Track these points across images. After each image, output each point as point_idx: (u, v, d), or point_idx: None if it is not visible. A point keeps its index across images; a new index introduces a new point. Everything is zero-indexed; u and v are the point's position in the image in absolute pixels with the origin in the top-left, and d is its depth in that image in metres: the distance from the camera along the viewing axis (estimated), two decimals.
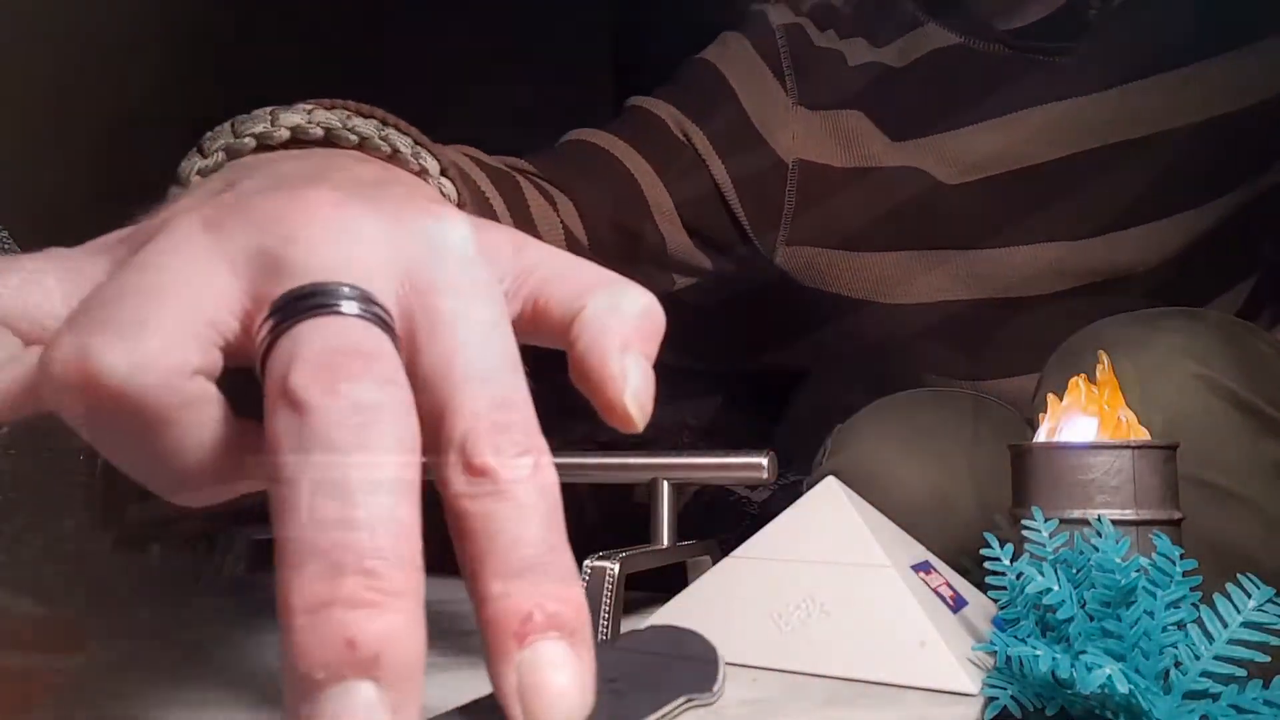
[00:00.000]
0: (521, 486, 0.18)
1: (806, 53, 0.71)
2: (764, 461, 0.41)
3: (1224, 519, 0.45)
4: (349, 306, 0.18)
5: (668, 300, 0.26)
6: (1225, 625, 0.27)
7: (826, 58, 0.71)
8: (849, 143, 0.69)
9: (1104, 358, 0.40)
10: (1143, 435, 0.37)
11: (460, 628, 0.42)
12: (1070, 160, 0.67)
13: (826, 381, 0.87)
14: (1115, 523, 0.33)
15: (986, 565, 0.32)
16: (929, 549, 0.52)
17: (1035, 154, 0.67)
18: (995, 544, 0.32)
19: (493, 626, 0.17)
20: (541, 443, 0.19)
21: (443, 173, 0.30)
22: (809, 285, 0.73)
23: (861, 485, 0.58)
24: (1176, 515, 0.36)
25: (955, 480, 0.57)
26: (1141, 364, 0.47)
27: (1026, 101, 0.67)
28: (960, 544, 0.53)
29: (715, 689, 0.25)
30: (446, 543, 0.19)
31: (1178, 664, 0.27)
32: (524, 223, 0.57)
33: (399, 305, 0.19)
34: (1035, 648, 0.27)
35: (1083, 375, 0.39)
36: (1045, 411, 0.40)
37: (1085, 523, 0.34)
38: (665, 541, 0.43)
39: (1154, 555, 0.30)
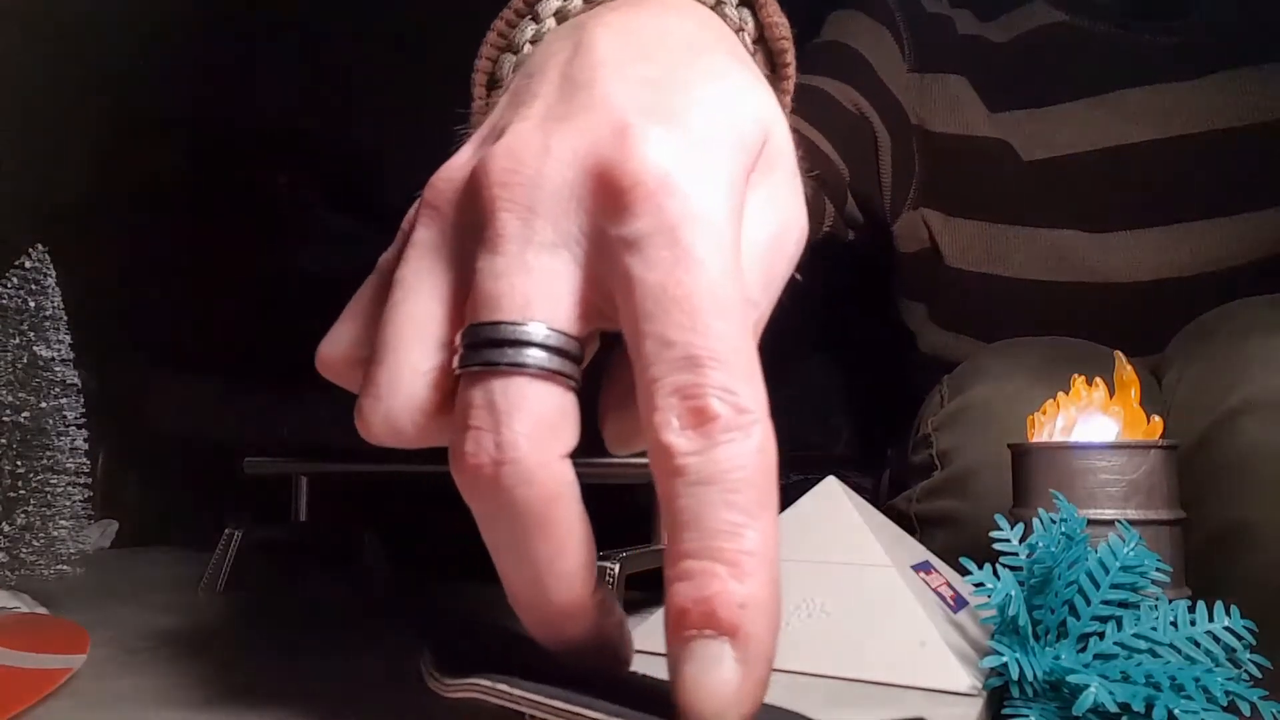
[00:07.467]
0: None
1: (919, 16, 0.72)
2: None
3: None
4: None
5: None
6: (1108, 571, 0.29)
7: (937, 23, 0.72)
8: (952, 108, 0.70)
9: (1120, 358, 0.39)
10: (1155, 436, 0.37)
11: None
12: (1167, 144, 0.65)
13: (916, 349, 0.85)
14: (1133, 523, 0.33)
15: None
16: None
17: (1131, 135, 0.66)
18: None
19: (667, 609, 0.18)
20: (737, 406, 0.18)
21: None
22: (909, 251, 0.74)
23: (994, 419, 0.55)
24: (1181, 515, 0.36)
25: None
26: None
27: (1126, 81, 0.66)
28: None
29: None
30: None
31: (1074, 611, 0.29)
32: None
33: None
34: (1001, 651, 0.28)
35: (1082, 376, 0.39)
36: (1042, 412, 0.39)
37: (1098, 524, 0.34)
38: (665, 541, 0.43)
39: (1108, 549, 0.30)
